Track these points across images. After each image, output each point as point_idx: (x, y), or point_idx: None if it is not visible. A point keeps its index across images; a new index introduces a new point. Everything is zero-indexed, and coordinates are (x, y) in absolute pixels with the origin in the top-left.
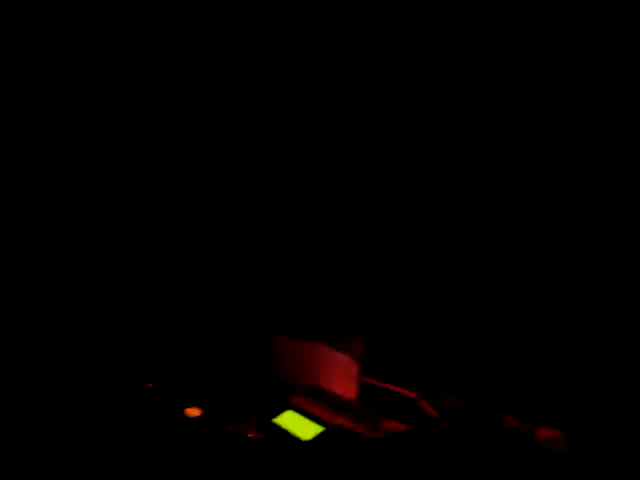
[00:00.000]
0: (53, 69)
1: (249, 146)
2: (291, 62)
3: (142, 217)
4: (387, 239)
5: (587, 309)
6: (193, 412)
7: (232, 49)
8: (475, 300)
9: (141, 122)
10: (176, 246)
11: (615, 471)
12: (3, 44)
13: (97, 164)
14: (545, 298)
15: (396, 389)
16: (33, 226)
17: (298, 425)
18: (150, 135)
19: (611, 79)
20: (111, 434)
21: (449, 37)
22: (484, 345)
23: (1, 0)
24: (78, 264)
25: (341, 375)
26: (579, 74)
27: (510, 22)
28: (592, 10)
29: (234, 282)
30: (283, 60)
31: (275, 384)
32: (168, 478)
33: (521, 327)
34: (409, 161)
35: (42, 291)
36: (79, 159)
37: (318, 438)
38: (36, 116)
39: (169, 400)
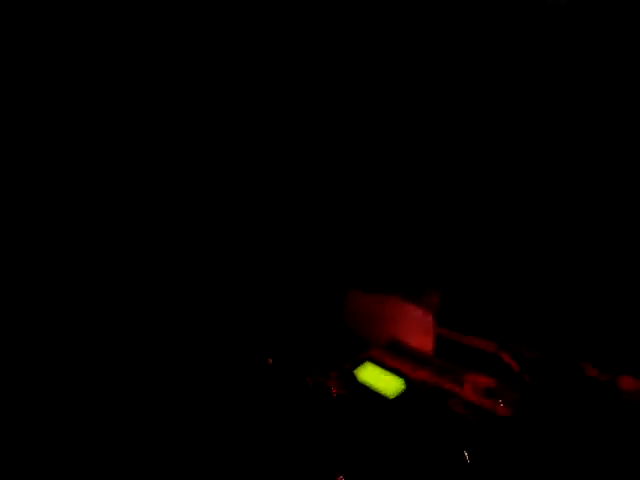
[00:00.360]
0: (53, 69)
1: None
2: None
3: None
4: (463, 192)
5: None
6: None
7: (232, 49)
8: (553, 250)
9: (141, 123)
10: (256, 198)
11: None
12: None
13: (98, 164)
14: (622, 250)
15: (474, 341)
16: (33, 226)
17: (379, 379)
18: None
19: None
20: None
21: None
22: (563, 294)
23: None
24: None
25: (417, 328)
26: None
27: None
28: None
29: (311, 235)
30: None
31: (349, 337)
32: (255, 429)
33: (600, 276)
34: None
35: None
36: (79, 159)
37: (402, 394)
38: (36, 116)
39: (250, 352)
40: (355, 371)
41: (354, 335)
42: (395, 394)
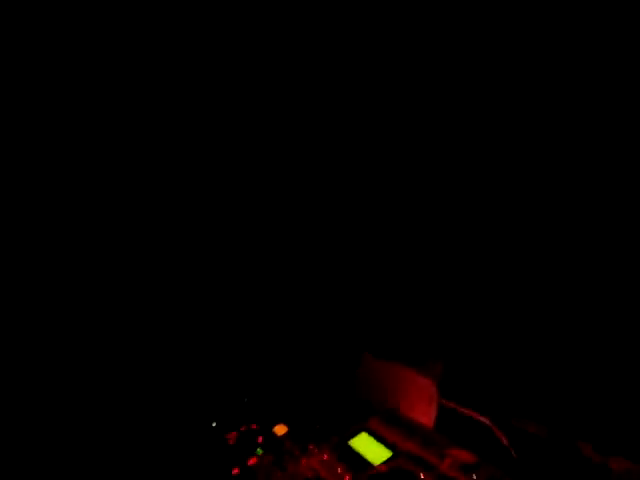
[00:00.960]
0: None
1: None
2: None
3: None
4: (471, 260)
5: None
6: (280, 430)
7: (232, 49)
8: (554, 325)
9: (141, 122)
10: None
11: None
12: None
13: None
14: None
15: (470, 413)
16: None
17: (370, 448)
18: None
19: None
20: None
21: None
22: (567, 370)
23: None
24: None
25: (419, 398)
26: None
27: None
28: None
29: (323, 296)
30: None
31: (357, 403)
32: None
33: (600, 355)
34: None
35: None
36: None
37: (386, 463)
38: (36, 116)
39: (258, 416)
40: (350, 441)
41: (361, 400)
42: (379, 462)
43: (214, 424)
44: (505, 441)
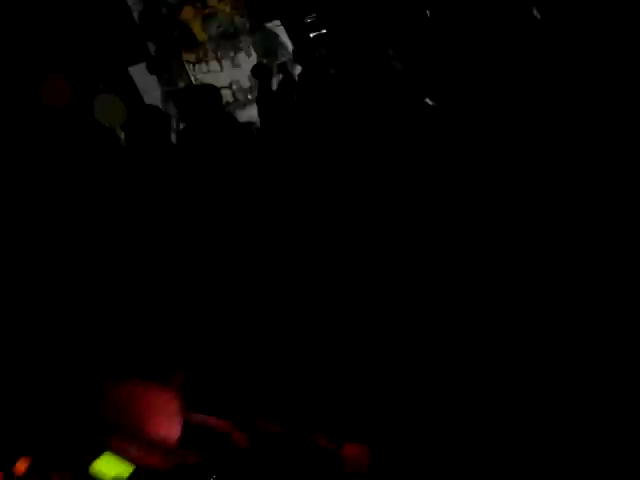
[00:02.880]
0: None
1: None
2: None
3: None
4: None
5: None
6: (21, 466)
7: None
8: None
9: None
10: None
11: None
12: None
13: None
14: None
15: (207, 421)
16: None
17: (110, 469)
18: None
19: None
20: None
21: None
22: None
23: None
24: None
25: (162, 413)
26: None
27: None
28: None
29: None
30: None
31: (97, 428)
32: None
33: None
34: None
35: None
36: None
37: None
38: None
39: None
40: (90, 465)
41: (102, 425)
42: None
43: None
44: (244, 443)
